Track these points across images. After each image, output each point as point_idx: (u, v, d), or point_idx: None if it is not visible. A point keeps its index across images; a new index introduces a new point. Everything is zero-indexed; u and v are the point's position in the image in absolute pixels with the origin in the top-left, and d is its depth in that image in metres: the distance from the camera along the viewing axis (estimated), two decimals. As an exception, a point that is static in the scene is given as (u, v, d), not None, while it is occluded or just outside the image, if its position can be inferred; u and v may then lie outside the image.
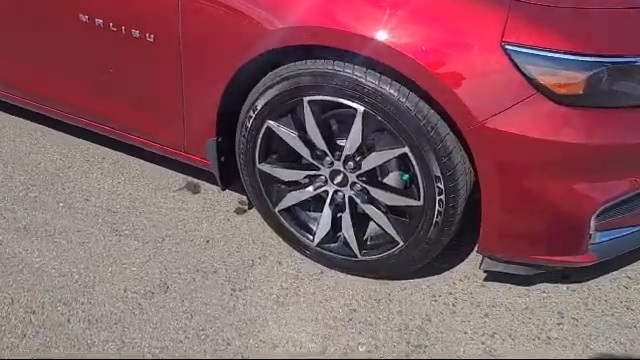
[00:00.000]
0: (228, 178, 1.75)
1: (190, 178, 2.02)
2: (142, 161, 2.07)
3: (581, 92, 1.24)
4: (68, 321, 1.52)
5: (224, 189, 1.80)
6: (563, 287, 1.65)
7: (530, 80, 1.22)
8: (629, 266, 1.71)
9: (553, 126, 1.24)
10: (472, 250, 1.68)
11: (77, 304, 1.56)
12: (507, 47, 1.22)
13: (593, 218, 1.35)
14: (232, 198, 1.93)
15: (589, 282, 1.67)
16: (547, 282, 1.65)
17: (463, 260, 1.72)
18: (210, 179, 1.91)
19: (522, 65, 1.22)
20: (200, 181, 2.00)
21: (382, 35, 1.28)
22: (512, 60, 1.22)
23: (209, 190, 1.98)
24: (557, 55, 1.22)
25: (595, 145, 1.26)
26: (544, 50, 1.22)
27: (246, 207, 1.90)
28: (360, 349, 1.47)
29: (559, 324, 1.54)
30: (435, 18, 1.29)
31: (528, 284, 1.64)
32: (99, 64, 1.71)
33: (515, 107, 1.23)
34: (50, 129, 2.21)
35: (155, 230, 1.81)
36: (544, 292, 1.63)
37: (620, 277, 1.69)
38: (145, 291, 1.61)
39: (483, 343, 1.49)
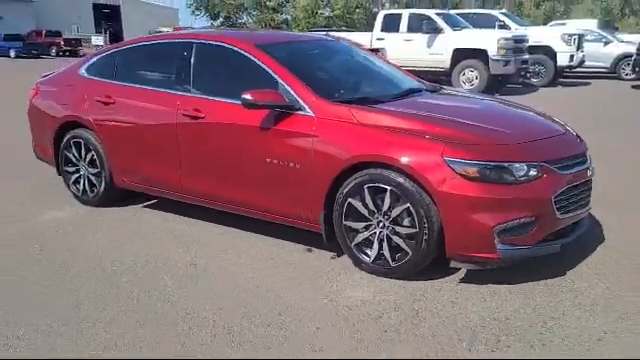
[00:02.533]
0: (329, 236, 3.54)
1: (308, 246, 3.82)
2: (282, 241, 3.92)
3: (478, 176, 3.01)
4: (256, 286, 3.25)
5: (327, 243, 3.58)
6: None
7: (454, 172, 3.02)
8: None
9: (465, 189, 3.00)
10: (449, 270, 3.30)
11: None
12: (445, 159, 3.04)
13: (495, 233, 3.01)
14: (328, 255, 3.69)
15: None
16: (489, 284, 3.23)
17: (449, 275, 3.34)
18: (315, 245, 3.71)
19: (451, 165, 3.02)
20: (313, 247, 3.79)
21: (399, 157, 3.14)
22: (447, 164, 3.03)
23: (318, 251, 3.75)
24: (465, 161, 3.02)
25: (484, 197, 2.99)
26: (460, 160, 3.03)
27: (336, 256, 3.65)
28: (390, 297, 3.08)
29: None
30: (418, 149, 3.15)
31: (477, 283, 3.22)
32: (270, 180, 3.66)
33: (447, 182, 3.02)
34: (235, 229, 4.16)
35: (296, 267, 3.57)
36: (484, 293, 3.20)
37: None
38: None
39: (453, 301, 3.06)
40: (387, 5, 44.77)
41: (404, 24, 13.49)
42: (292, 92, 3.58)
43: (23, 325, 2.86)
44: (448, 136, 3.17)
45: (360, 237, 3.39)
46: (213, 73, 4.10)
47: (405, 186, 3.14)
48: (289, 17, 40.14)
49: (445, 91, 4.40)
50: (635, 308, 2.94)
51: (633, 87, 14.66)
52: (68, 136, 4.74)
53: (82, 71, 4.80)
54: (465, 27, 13.29)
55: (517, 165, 3.07)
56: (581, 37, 15.06)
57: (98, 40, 44.17)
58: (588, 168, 3.43)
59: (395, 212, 3.22)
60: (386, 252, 3.30)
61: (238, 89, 3.67)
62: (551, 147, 3.35)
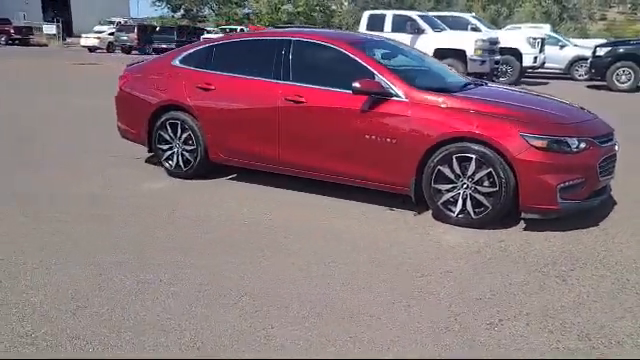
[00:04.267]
0: (417, 197, 4.48)
1: (388, 207, 4.74)
2: (365, 204, 4.83)
3: (545, 147, 4.03)
4: (370, 234, 4.15)
5: (416, 204, 4.51)
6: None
7: (529, 143, 4.02)
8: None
9: (537, 157, 4.00)
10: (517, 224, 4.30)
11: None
12: (521, 134, 4.05)
13: (558, 190, 4.03)
14: (410, 214, 4.63)
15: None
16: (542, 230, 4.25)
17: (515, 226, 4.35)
18: (397, 205, 4.65)
19: (526, 139, 4.02)
20: (393, 207, 4.72)
21: (487, 133, 4.10)
22: (523, 138, 4.03)
23: (398, 210, 4.68)
24: (535, 136, 4.03)
25: (550, 163, 4.01)
26: (532, 134, 4.03)
27: (418, 214, 4.59)
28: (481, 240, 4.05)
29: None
30: (500, 128, 4.12)
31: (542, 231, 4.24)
32: (368, 153, 4.55)
33: (523, 152, 4.01)
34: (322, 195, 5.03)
35: (389, 222, 4.49)
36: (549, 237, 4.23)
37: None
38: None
39: (527, 241, 4.06)
40: (345, 4, 45.96)
41: (388, 24, 14.55)
42: (387, 82, 4.49)
43: (191, 255, 3.66)
44: (520, 117, 4.19)
45: (446, 197, 4.35)
46: (311, 66, 4.95)
47: (489, 155, 4.11)
48: (251, 12, 40.68)
49: (491, 84, 5.42)
50: (656, 244, 4.05)
51: (588, 87, 16.30)
52: (163, 118, 5.46)
53: (176, 62, 5.52)
54: (443, 29, 14.47)
55: (571, 139, 4.11)
56: (543, 40, 16.58)
57: (51, 29, 43.04)
58: (615, 144, 4.52)
59: (478, 176, 4.19)
60: (469, 207, 4.26)
61: (337, 79, 4.61)
62: (592, 127, 4.41)
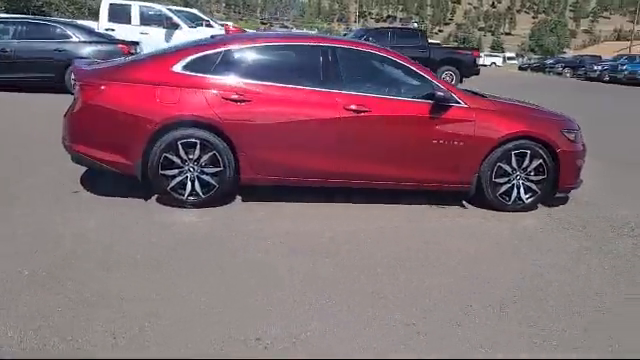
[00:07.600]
0: (477, 194, 4.98)
1: (428, 204, 5.08)
2: (407, 205, 5.04)
3: (574, 139, 5.08)
4: (444, 228, 4.48)
5: (472, 198, 5.00)
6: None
7: (567, 138, 5.01)
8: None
9: (572, 147, 5.02)
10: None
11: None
12: (561, 130, 5.00)
13: (579, 171, 5.16)
14: (453, 208, 5.09)
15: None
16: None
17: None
18: (433, 202, 5.07)
19: (565, 134, 4.99)
20: (432, 204, 5.09)
21: (540, 131, 4.87)
22: (563, 133, 4.99)
23: (440, 206, 5.08)
24: (569, 130, 5.03)
25: (576, 151, 5.09)
26: (567, 130, 5.02)
27: (465, 207, 5.09)
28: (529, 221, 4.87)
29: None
30: (548, 126, 4.97)
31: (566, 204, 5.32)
32: (435, 156, 4.78)
33: (565, 144, 4.98)
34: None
35: (448, 217, 4.85)
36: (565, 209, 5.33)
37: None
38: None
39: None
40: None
41: (136, 16, 13.42)
42: (448, 90, 4.81)
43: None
44: (554, 116, 5.14)
45: (503, 188, 4.99)
46: (366, 75, 4.82)
47: (539, 149, 4.93)
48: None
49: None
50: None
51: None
52: (172, 137, 4.41)
53: (178, 69, 4.47)
54: (193, 25, 14.20)
55: (577, 132, 5.26)
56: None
57: None
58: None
59: (531, 167, 4.97)
60: (522, 195, 5.02)
61: (399, 88, 4.78)
62: (573, 121, 5.65)
